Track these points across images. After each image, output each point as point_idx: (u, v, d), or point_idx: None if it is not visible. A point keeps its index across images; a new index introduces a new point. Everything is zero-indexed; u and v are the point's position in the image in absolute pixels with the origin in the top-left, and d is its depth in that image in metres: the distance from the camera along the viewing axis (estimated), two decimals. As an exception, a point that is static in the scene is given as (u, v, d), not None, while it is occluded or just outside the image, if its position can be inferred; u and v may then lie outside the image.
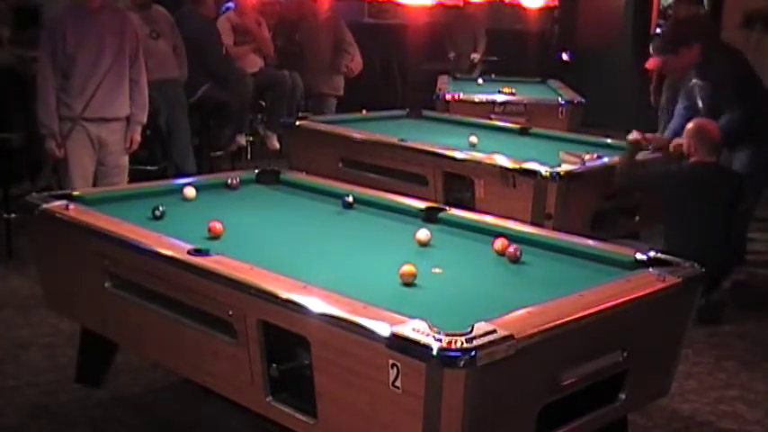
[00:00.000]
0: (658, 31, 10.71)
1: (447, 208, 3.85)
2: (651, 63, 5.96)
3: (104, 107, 5.21)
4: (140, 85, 5.39)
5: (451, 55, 9.33)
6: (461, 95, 7.88)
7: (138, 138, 5.42)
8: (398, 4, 11.40)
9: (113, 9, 5.45)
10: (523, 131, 6.42)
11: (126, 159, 5.43)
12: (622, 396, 2.87)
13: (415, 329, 2.35)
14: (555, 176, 4.66)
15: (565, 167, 4.79)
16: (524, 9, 10.93)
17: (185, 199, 3.95)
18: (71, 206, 3.56)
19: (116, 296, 3.34)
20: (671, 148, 5.30)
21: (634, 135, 5.13)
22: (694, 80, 5.58)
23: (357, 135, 5.81)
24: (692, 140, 5.07)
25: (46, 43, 5.14)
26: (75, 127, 5.15)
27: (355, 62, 8.74)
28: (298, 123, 6.25)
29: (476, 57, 9.35)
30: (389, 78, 11.45)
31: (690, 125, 5.12)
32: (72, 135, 5.17)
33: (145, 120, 5.47)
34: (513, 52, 11.26)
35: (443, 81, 8.83)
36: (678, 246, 4.40)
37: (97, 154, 5.26)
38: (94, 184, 5.19)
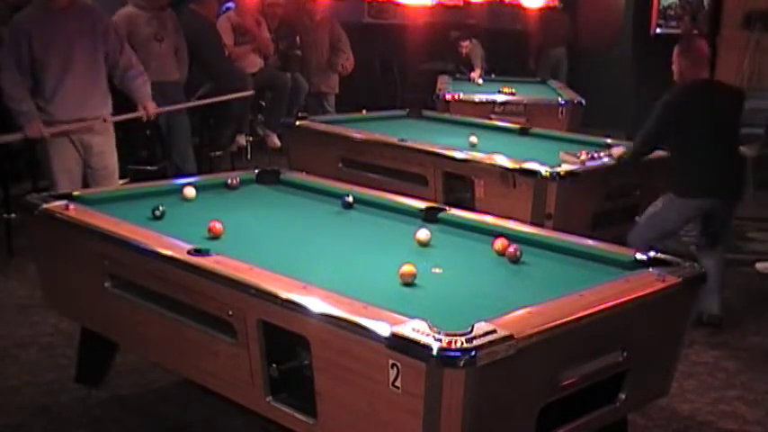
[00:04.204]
0: (659, 31, 10.77)
1: (447, 208, 3.85)
2: None
3: (81, 108, 5.09)
4: (137, 66, 5.29)
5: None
6: (461, 95, 7.89)
7: (153, 104, 5.33)
8: (398, 4, 11.41)
9: (82, 6, 5.21)
10: (523, 131, 6.43)
11: (115, 161, 5.33)
12: (622, 396, 2.87)
13: (415, 329, 2.35)
14: (555, 176, 4.66)
15: (565, 167, 4.79)
16: (524, 9, 10.93)
17: (185, 199, 3.94)
18: (71, 206, 3.56)
19: (116, 296, 3.34)
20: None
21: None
22: None
23: (357, 135, 5.81)
24: (681, 59, 4.86)
25: (10, 48, 4.98)
26: (54, 130, 5.04)
27: (350, 61, 8.94)
28: (298, 123, 6.25)
29: (474, 76, 9.42)
30: (389, 78, 11.46)
31: (677, 46, 4.92)
32: (53, 139, 5.06)
33: (150, 92, 5.37)
34: (513, 52, 11.26)
35: (443, 81, 8.85)
36: (687, 177, 4.31)
37: (83, 156, 5.16)
38: (84, 188, 5.11)
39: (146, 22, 6.58)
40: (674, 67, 4.95)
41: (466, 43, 9.93)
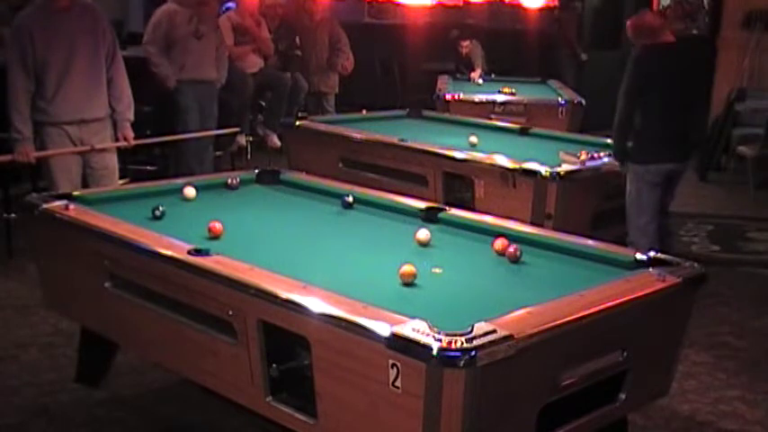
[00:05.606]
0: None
1: (447, 208, 3.85)
2: None
3: (82, 109, 5.07)
4: (119, 83, 5.21)
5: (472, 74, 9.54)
6: (461, 95, 7.90)
7: (131, 134, 5.27)
8: (398, 4, 11.41)
9: (83, 6, 5.16)
10: (523, 131, 6.43)
11: (115, 160, 5.30)
12: (622, 396, 2.87)
13: (415, 329, 2.35)
14: (555, 176, 4.66)
15: (565, 167, 4.79)
16: (524, 9, 10.93)
17: (185, 199, 3.95)
18: (71, 206, 3.56)
19: (116, 296, 3.34)
20: None
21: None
22: None
23: (357, 135, 5.81)
24: (633, 36, 5.00)
25: (14, 48, 4.97)
26: (55, 131, 5.03)
27: (350, 61, 8.97)
28: (298, 123, 6.25)
29: (474, 76, 9.43)
30: (389, 78, 11.46)
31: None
32: (53, 140, 5.04)
33: (132, 116, 5.29)
34: (513, 52, 11.25)
35: (443, 81, 8.85)
36: (650, 142, 4.43)
37: (83, 156, 5.13)
38: (84, 188, 5.09)
39: (186, 18, 6.55)
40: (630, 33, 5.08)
41: (466, 43, 9.93)
